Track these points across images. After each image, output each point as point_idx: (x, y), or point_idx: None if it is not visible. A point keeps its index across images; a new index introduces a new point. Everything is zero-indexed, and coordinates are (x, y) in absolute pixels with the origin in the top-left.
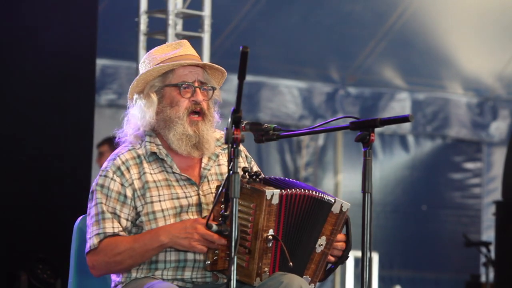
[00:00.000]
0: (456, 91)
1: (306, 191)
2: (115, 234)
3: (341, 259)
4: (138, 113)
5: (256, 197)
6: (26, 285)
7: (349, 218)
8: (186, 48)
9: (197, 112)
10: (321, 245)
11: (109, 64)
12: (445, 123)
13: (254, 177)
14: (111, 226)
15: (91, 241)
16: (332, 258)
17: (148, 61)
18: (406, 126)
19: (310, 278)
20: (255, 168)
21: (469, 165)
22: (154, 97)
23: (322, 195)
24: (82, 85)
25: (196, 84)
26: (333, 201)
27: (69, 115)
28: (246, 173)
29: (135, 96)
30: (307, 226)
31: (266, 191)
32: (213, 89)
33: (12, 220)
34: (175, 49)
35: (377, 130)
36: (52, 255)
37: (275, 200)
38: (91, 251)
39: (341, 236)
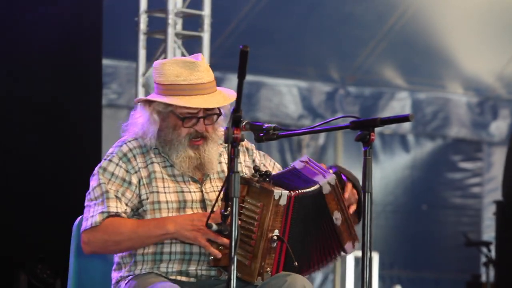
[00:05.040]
0: (456, 91)
1: (304, 189)
2: (117, 214)
3: (360, 198)
4: (142, 125)
5: (264, 197)
6: (25, 285)
7: (340, 170)
8: (199, 74)
9: (198, 137)
10: (337, 218)
11: (108, 63)
12: (445, 122)
13: (264, 176)
14: (115, 206)
15: (93, 219)
16: (353, 207)
17: (159, 72)
18: (406, 125)
19: (351, 242)
20: (258, 158)
21: (469, 165)
22: (156, 117)
23: (311, 188)
24: (88, 84)
25: (201, 114)
26: (320, 187)
27: (73, 115)
28: (257, 173)
29: (141, 105)
30: (312, 218)
31: (275, 191)
32: (219, 115)
33: (11, 219)
34: (189, 72)
35: (377, 129)
36: (51, 254)
37: (283, 201)
38: (91, 228)
39: (346, 188)
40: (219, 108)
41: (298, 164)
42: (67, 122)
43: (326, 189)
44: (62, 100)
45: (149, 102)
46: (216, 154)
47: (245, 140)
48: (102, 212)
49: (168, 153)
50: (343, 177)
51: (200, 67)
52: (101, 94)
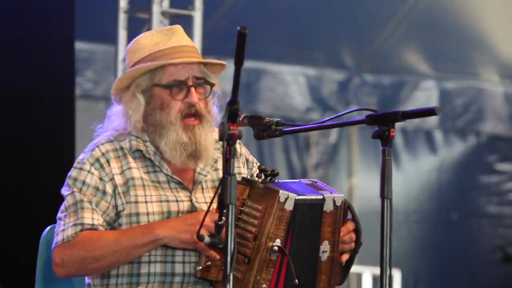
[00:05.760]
0: (491, 79)
1: (310, 196)
2: (93, 227)
3: (355, 251)
4: (123, 115)
5: (268, 198)
6: None
7: (350, 205)
8: (179, 37)
9: (192, 114)
10: (325, 251)
11: (83, 47)
12: (478, 116)
13: (270, 177)
14: (90, 217)
15: (65, 233)
16: (345, 256)
17: (134, 50)
18: (433, 120)
19: None
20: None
21: (508, 166)
22: (141, 98)
23: (311, 196)
24: (59, 72)
25: (190, 82)
26: (322, 199)
27: (41, 108)
28: (262, 173)
29: (120, 93)
30: (305, 236)
31: (280, 191)
32: (211, 85)
33: None
34: (166, 38)
35: (398, 125)
36: (14, 272)
37: (289, 206)
38: (64, 244)
39: (348, 226)
40: (210, 83)
41: (304, 181)
42: (34, 117)
43: (328, 206)
44: (29, 91)
45: (128, 82)
46: (212, 141)
47: (245, 150)
48: (75, 224)
49: (158, 142)
50: (349, 216)
51: (179, 31)
52: (74, 84)
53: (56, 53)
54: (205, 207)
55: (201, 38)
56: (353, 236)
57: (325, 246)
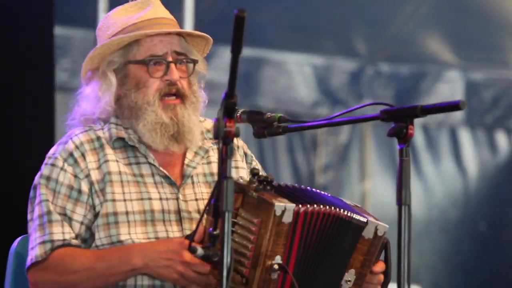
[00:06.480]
0: None
1: (330, 207)
2: (65, 243)
3: None
4: (92, 97)
5: (263, 211)
6: None
7: (388, 243)
8: (155, 8)
9: (172, 94)
10: (349, 281)
11: (59, 33)
12: (509, 112)
13: (265, 183)
14: (60, 232)
15: (34, 252)
16: None
17: (105, 27)
18: (457, 116)
19: None
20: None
21: None
22: (112, 77)
23: (351, 214)
24: (36, 61)
25: (170, 58)
26: (365, 222)
27: (16, 102)
28: (255, 177)
29: (89, 74)
30: (329, 255)
31: (276, 204)
32: (194, 62)
33: None
34: (141, 10)
35: (417, 121)
36: None
37: (288, 218)
38: (36, 265)
39: (379, 266)
40: (193, 60)
41: (340, 199)
42: (9, 113)
43: (369, 233)
44: (1, 83)
45: (99, 61)
46: (197, 124)
47: (243, 143)
48: (44, 242)
49: (135, 126)
50: (384, 253)
51: (155, 3)
52: (54, 74)
53: (33, 39)
54: (194, 205)
55: (193, 23)
56: (381, 278)
57: (350, 275)
